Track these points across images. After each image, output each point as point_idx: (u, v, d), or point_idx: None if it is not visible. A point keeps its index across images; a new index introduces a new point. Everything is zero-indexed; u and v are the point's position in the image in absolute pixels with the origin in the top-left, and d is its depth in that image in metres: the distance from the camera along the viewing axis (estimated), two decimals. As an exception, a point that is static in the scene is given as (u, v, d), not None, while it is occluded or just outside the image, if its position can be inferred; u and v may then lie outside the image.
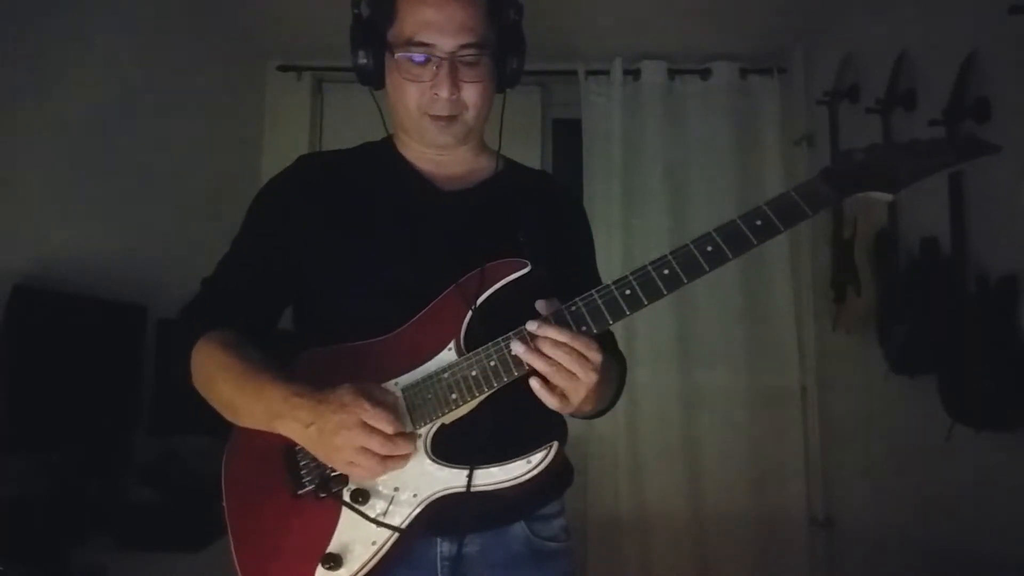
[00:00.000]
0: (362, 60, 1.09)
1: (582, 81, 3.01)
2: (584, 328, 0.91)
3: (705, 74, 3.04)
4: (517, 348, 0.90)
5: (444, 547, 1.00)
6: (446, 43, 1.01)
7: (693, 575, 2.75)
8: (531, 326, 0.90)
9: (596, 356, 0.90)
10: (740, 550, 2.77)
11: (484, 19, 1.04)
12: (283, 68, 3.11)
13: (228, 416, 1.02)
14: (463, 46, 1.02)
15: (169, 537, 1.61)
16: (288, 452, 0.98)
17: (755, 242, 0.92)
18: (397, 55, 1.04)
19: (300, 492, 0.96)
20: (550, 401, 0.90)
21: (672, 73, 3.04)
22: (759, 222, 0.92)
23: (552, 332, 0.89)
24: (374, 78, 1.11)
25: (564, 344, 0.88)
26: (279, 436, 0.95)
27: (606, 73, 3.01)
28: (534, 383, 0.90)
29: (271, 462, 0.98)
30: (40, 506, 1.58)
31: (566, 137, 3.23)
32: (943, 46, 1.97)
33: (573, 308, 0.92)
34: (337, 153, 1.20)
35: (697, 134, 3.01)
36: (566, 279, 1.03)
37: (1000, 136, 1.78)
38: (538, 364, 0.89)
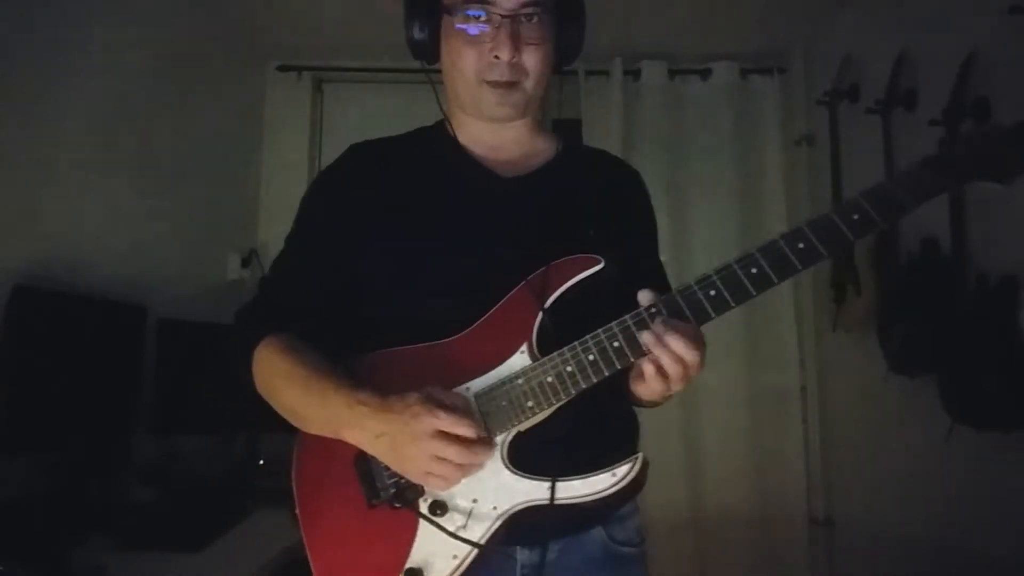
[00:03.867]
0: (417, 33, 1.05)
1: (582, 81, 3.01)
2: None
3: (705, 74, 3.04)
4: (647, 338, 0.86)
5: (524, 555, 0.97)
6: (506, 1, 0.97)
7: (693, 575, 2.75)
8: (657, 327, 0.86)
9: (703, 349, 0.88)
10: (740, 550, 2.77)
11: None
12: (283, 68, 3.11)
13: (294, 423, 1.00)
14: (524, 3, 0.98)
15: (169, 537, 1.60)
16: (360, 460, 0.95)
17: (852, 237, 0.84)
18: (455, 17, 1.00)
19: (375, 502, 0.93)
20: (657, 388, 0.88)
21: (672, 73, 3.04)
22: (856, 216, 0.84)
23: (680, 328, 0.86)
24: (428, 50, 1.07)
25: (684, 338, 0.85)
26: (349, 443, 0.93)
27: (606, 73, 3.01)
28: (649, 370, 0.87)
29: (343, 469, 0.95)
30: (40, 506, 1.58)
31: (566, 137, 3.22)
32: (943, 46, 1.97)
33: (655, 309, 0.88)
34: (389, 140, 1.14)
35: (697, 134, 3.01)
36: (632, 270, 0.98)
37: (1000, 136, 1.78)
38: (665, 359, 0.85)
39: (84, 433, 1.80)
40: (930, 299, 1.92)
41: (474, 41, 0.99)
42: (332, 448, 0.95)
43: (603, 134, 2.97)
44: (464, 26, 0.99)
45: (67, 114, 1.90)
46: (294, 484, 1.02)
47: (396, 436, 0.86)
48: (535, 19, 0.99)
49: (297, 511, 1.00)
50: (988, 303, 1.73)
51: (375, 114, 3.14)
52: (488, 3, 0.98)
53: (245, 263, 2.78)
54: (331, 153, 3.70)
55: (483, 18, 0.98)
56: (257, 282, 1.12)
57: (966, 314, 1.78)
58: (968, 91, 1.82)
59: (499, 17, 0.97)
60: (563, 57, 1.09)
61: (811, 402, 2.88)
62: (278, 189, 3.06)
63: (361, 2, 2.65)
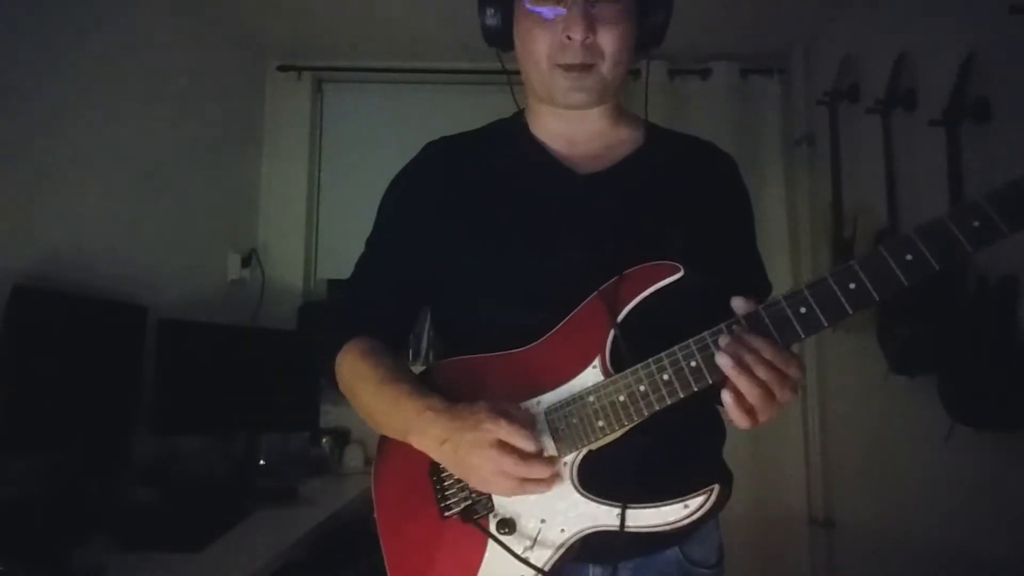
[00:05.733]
0: (489, 18, 1.01)
1: (582, 81, 3.01)
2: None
3: (705, 74, 3.04)
4: (722, 360, 0.78)
5: (597, 572, 0.95)
6: None
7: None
8: (724, 342, 0.78)
9: (796, 373, 0.79)
10: (740, 550, 2.77)
11: None
12: (283, 68, 3.11)
13: (372, 426, 1.00)
14: None
15: (169, 537, 1.60)
16: (434, 470, 0.94)
17: (970, 248, 0.73)
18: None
19: (447, 514, 0.92)
20: (740, 420, 0.80)
21: (672, 73, 3.04)
22: (976, 223, 0.73)
23: (760, 345, 0.77)
24: (502, 37, 1.02)
25: (767, 360, 0.77)
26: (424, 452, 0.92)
27: (606, 73, 3.01)
28: (727, 398, 0.79)
29: (419, 479, 0.95)
30: (40, 506, 1.58)
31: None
32: (943, 46, 1.97)
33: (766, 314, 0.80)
34: (464, 137, 1.10)
35: (697, 134, 2.99)
36: (723, 271, 0.91)
37: (1000, 136, 1.78)
38: (744, 384, 0.77)
39: (84, 433, 1.80)
40: (930, 299, 1.92)
41: (546, 22, 0.94)
42: (410, 456, 0.94)
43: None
44: (536, 7, 0.95)
45: (67, 114, 1.90)
46: (373, 489, 1.02)
47: (459, 443, 0.85)
48: None
49: (376, 515, 1.00)
50: (988, 303, 1.73)
51: (375, 114, 3.14)
52: None
53: (245, 263, 2.79)
54: (331, 153, 3.70)
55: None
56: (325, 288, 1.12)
57: (966, 314, 1.78)
58: (968, 91, 1.82)
59: None
60: (647, 39, 1.02)
61: (811, 402, 2.87)
62: (278, 189, 3.06)
63: (361, 2, 2.65)
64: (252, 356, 2.39)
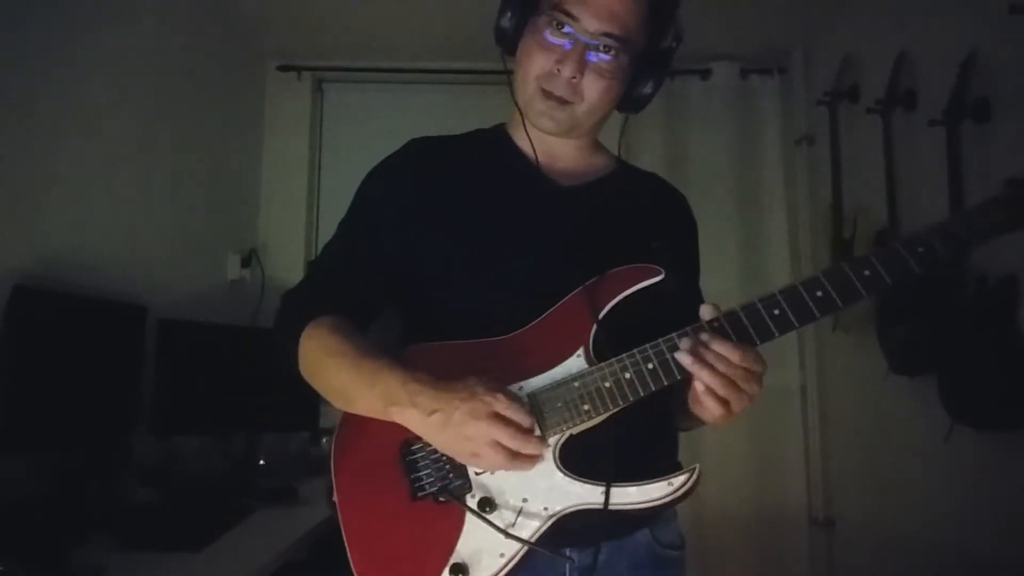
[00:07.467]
0: (505, 21, 1.05)
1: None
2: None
3: (705, 74, 3.04)
4: (684, 359, 0.86)
5: (575, 556, 0.96)
6: (590, 23, 0.97)
7: (692, 574, 2.75)
8: (695, 337, 0.87)
9: (761, 369, 0.87)
10: (740, 550, 2.77)
11: (640, 24, 1.01)
12: (283, 68, 3.11)
13: (338, 404, 0.98)
14: (605, 33, 0.98)
15: (169, 537, 1.60)
16: (405, 449, 0.93)
17: (916, 269, 0.88)
18: (541, 19, 1.00)
19: (420, 495, 0.91)
20: (713, 410, 0.88)
21: (672, 73, 3.03)
22: (921, 249, 0.89)
23: (721, 346, 0.85)
24: (510, 41, 1.07)
25: (730, 360, 0.85)
26: (394, 430, 0.90)
27: (606, 73, 3.01)
28: (701, 393, 0.87)
29: (387, 459, 0.94)
30: (40, 506, 1.58)
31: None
32: (943, 46, 1.97)
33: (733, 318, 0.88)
34: (449, 138, 1.14)
35: (697, 134, 3.01)
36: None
37: (1000, 136, 1.78)
38: (706, 377, 0.85)
39: (84, 433, 1.80)
40: (930, 299, 1.92)
41: (546, 47, 1.00)
42: (376, 436, 0.94)
43: (603, 134, 2.97)
44: (545, 31, 1.00)
45: (67, 114, 1.90)
46: (333, 472, 0.98)
47: (452, 414, 0.84)
48: (612, 51, 0.99)
49: (335, 499, 0.97)
50: (988, 303, 1.73)
51: (375, 114, 3.14)
52: (572, 18, 0.98)
53: (245, 263, 2.79)
54: (331, 153, 3.70)
55: (565, 30, 0.99)
56: (307, 265, 1.11)
57: (966, 314, 1.78)
58: (968, 91, 1.82)
59: (577, 37, 0.98)
60: (626, 104, 1.09)
61: (811, 402, 2.88)
62: (278, 189, 3.07)
63: (361, 2, 2.65)
64: (252, 356, 2.39)
